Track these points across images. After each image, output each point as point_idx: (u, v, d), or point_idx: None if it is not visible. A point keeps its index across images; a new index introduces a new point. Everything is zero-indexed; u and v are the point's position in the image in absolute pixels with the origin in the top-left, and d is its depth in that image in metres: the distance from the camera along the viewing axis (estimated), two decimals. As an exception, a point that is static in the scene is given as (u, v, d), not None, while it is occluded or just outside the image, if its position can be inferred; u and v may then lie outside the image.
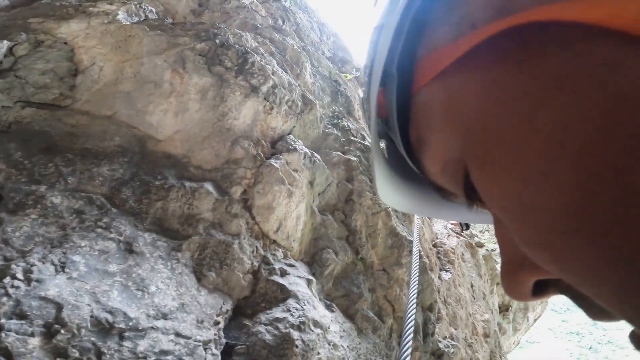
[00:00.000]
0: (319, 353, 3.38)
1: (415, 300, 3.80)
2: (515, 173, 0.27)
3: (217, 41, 4.24)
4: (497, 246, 14.30)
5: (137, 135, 3.46)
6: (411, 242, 5.85)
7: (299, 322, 3.25)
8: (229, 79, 4.03)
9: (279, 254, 3.83)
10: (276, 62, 4.92)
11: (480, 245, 12.72)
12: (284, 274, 3.67)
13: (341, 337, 4.11)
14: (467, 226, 13.57)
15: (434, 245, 8.16)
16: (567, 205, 0.24)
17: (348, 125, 6.50)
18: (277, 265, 3.69)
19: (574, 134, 0.24)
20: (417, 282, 4.17)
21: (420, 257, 5.35)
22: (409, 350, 2.06)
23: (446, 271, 7.94)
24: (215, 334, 2.80)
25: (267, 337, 3.03)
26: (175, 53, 3.92)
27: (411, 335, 2.20)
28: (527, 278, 0.33)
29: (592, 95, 0.23)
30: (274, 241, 3.84)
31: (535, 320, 18.19)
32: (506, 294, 0.38)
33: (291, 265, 3.87)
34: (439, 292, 6.57)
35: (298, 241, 4.16)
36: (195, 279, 2.94)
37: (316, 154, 4.87)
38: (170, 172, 3.37)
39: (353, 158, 5.68)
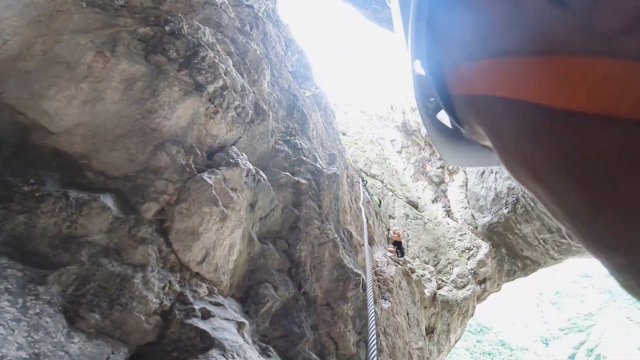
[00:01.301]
0: None
1: (375, 343, 3.03)
2: None
3: (167, 28, 3.35)
4: (426, 272, 14.02)
5: (22, 123, 2.47)
6: (357, 274, 5.13)
7: None
8: (168, 71, 3.16)
9: (202, 290, 2.90)
10: (232, 62, 4.10)
11: (412, 271, 12.41)
12: (206, 315, 2.75)
13: None
14: (402, 253, 13.29)
15: (375, 274, 7.53)
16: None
17: (301, 144, 5.74)
18: (198, 305, 2.76)
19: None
20: (374, 322, 3.42)
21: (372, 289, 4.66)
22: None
23: (385, 300, 7.32)
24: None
25: None
26: (109, 34, 2.99)
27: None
28: None
29: None
30: (197, 274, 2.91)
31: (456, 341, 18.21)
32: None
33: (218, 304, 2.95)
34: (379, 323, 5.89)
35: (229, 274, 3.26)
36: (66, 322, 2.07)
37: (262, 173, 4.06)
38: (54, 175, 2.40)
39: (303, 181, 4.91)
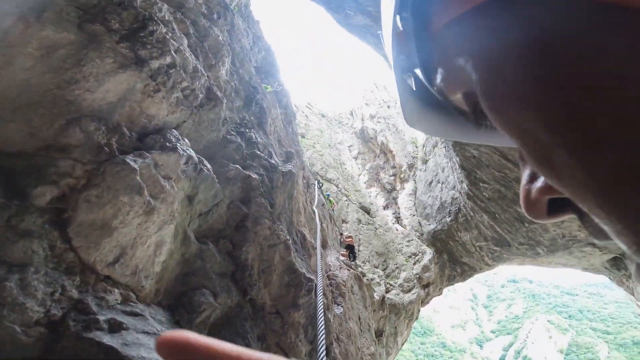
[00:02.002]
0: None
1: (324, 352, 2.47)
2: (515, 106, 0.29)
3: (117, -1, 2.63)
4: (375, 276, 13.62)
5: None
6: (310, 279, 4.53)
7: None
8: (104, 41, 2.46)
9: (114, 297, 2.18)
10: (188, 43, 3.41)
11: (363, 275, 12.03)
12: (116, 328, 2.03)
13: None
14: (354, 257, 12.88)
15: (328, 278, 6.97)
16: (553, 124, 0.27)
17: (256, 137, 5.10)
18: (104, 315, 2.04)
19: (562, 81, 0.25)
20: (323, 330, 2.86)
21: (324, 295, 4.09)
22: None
23: (338, 305, 6.80)
24: None
25: None
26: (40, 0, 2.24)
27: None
28: (539, 197, 0.34)
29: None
30: (107, 278, 2.19)
31: (402, 343, 18.15)
32: (527, 215, 0.36)
33: (134, 314, 2.23)
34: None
35: (154, 278, 2.55)
36: None
37: (206, 162, 3.37)
38: None
39: (255, 176, 4.22)
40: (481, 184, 14.57)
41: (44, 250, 1.89)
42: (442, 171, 19.08)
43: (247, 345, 3.01)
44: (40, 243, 1.88)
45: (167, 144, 2.81)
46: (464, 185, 15.76)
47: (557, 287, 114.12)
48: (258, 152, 4.68)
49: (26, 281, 1.76)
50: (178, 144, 2.92)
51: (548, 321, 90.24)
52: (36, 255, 1.84)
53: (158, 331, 2.19)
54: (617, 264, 15.22)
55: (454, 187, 17.54)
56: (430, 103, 0.42)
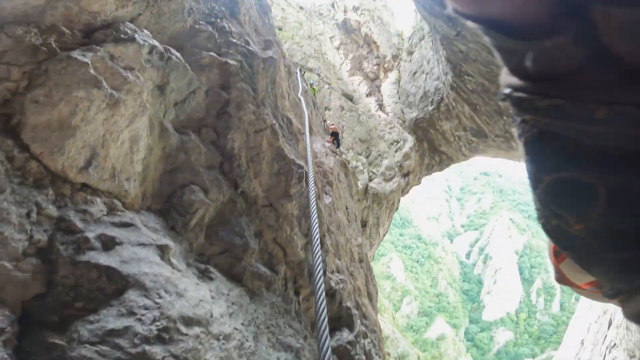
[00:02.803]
0: None
1: (320, 252, 2.40)
2: None
3: None
4: (359, 163, 13.84)
5: None
6: (300, 166, 4.34)
7: (159, 328, 1.65)
8: None
9: (97, 207, 1.88)
10: None
11: (347, 162, 12.13)
12: (109, 245, 1.77)
13: (231, 315, 2.39)
14: (339, 144, 12.84)
15: (315, 165, 6.83)
16: None
17: (230, 27, 4.34)
18: (92, 232, 1.76)
19: None
20: (316, 220, 2.75)
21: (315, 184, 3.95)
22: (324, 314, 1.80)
23: (326, 194, 6.83)
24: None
25: None
26: None
27: (323, 297, 1.90)
28: None
29: None
30: (84, 186, 1.88)
31: (384, 234, 19.52)
32: None
33: (125, 225, 1.97)
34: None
35: (138, 179, 2.23)
36: None
37: (173, 50, 2.83)
38: None
39: (232, 62, 3.58)
40: (466, 77, 14.10)
41: (2, 164, 1.52)
42: (428, 63, 18.29)
43: (246, 244, 2.91)
44: None
45: (122, 35, 2.28)
46: (449, 77, 15.23)
47: (523, 183, 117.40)
48: (233, 40, 4.07)
49: None
50: (136, 35, 2.37)
51: (510, 219, 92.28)
52: None
53: (154, 240, 1.97)
54: None
55: (438, 78, 16.98)
56: None
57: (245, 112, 3.39)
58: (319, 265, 2.44)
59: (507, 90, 0.46)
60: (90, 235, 1.71)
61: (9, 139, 1.61)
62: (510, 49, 0.43)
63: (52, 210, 1.66)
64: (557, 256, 0.73)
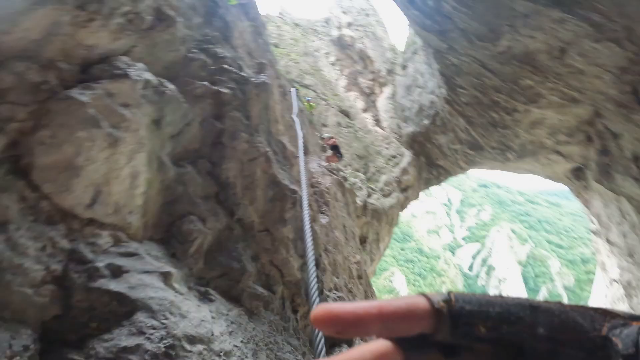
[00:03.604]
0: None
1: (314, 267, 2.52)
2: None
3: None
4: (357, 180, 13.98)
5: None
6: (294, 191, 4.49)
7: (166, 346, 1.78)
8: None
9: (104, 240, 2.05)
10: None
11: (345, 180, 12.25)
12: (117, 273, 1.94)
13: (231, 333, 2.54)
14: (341, 155, 12.96)
15: (311, 186, 6.98)
16: None
17: (223, 52, 4.55)
18: (101, 262, 1.93)
19: None
20: (311, 245, 2.89)
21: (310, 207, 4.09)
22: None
23: (323, 214, 6.96)
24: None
25: None
26: None
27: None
28: None
29: None
30: (91, 221, 2.04)
31: (384, 249, 19.53)
32: None
33: (130, 255, 2.13)
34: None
35: (139, 212, 2.40)
36: None
37: (168, 84, 3.00)
38: None
39: (225, 90, 3.80)
40: (459, 90, 14.39)
41: (17, 203, 1.69)
42: (422, 76, 18.64)
43: (243, 268, 3.05)
44: (10, 196, 1.67)
45: (116, 71, 2.45)
46: (443, 90, 15.53)
47: (522, 194, 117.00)
48: (226, 67, 4.25)
49: (12, 240, 1.60)
50: (130, 70, 2.56)
51: (511, 230, 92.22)
52: (11, 211, 1.64)
53: (157, 268, 2.12)
54: (577, 174, 15.98)
55: (433, 91, 17.29)
56: None
57: (238, 141, 3.57)
58: (314, 284, 2.56)
59: None
60: (100, 264, 1.87)
61: (20, 180, 1.77)
62: None
63: (65, 244, 1.82)
64: None
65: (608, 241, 15.72)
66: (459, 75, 13.59)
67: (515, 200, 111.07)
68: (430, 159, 19.90)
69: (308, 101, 14.72)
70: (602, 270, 19.17)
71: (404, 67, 20.89)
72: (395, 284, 72.34)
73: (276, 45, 19.34)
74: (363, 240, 13.81)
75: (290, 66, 19.32)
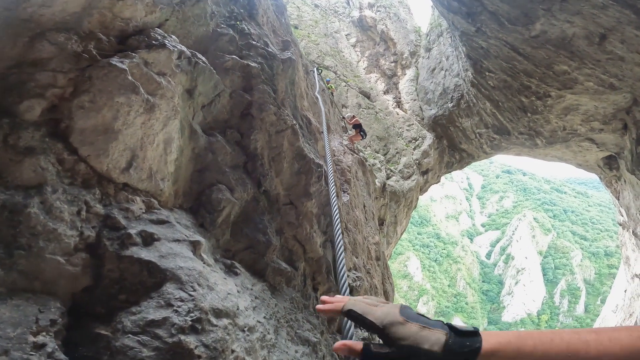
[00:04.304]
0: (233, 351, 1.95)
1: (341, 239, 2.52)
2: None
3: None
4: (376, 161, 13.89)
5: None
6: (319, 165, 4.47)
7: (192, 319, 1.79)
8: None
9: (137, 206, 2.07)
10: None
11: (365, 160, 12.17)
12: (149, 240, 1.95)
13: (255, 309, 2.50)
14: (365, 134, 12.90)
15: (333, 163, 6.92)
16: None
17: (249, 29, 4.54)
18: (134, 228, 1.94)
19: None
20: (338, 217, 2.86)
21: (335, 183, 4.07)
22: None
23: (344, 192, 6.93)
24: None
25: (145, 353, 1.61)
26: None
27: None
28: None
29: None
30: (125, 186, 2.06)
31: (402, 233, 19.44)
32: None
33: (162, 222, 2.15)
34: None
35: (171, 179, 2.41)
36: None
37: (199, 55, 3.01)
38: None
39: (253, 64, 3.75)
40: (487, 73, 13.93)
41: (54, 165, 1.70)
42: (447, 59, 18.11)
43: (269, 241, 3.07)
44: (47, 158, 1.67)
45: (153, 42, 2.45)
46: (469, 73, 15.06)
47: (548, 182, 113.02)
48: (253, 42, 4.24)
49: (48, 203, 1.59)
50: (166, 41, 2.55)
51: (534, 218, 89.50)
52: (48, 173, 1.64)
53: (187, 237, 2.14)
54: (610, 163, 15.39)
55: (458, 74, 16.81)
56: None
57: (267, 113, 3.55)
58: (342, 261, 2.51)
59: None
60: (133, 231, 1.88)
61: (58, 143, 1.78)
62: None
63: (99, 209, 1.84)
64: None
65: (635, 234, 15.23)
66: (487, 59, 13.12)
67: (540, 188, 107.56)
68: (452, 143, 19.51)
69: (328, 82, 14.57)
70: (625, 264, 18.68)
71: (428, 49, 20.32)
72: (410, 269, 72.32)
73: (296, 27, 19.11)
74: (380, 223, 13.76)
75: (310, 47, 19.09)
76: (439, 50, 19.03)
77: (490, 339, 0.67)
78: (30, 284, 1.52)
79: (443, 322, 0.72)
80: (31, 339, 1.37)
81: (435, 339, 0.67)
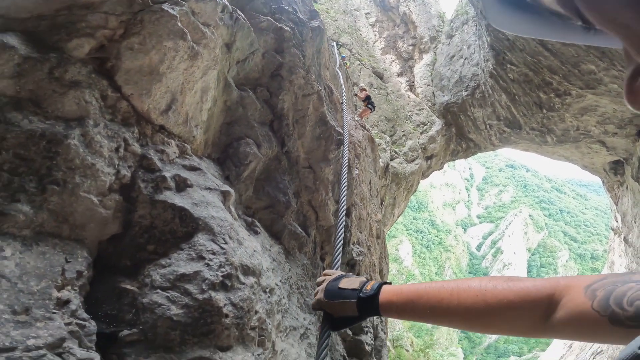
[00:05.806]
0: (257, 312, 1.87)
1: (344, 216, 2.53)
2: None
3: None
4: (382, 141, 13.73)
5: None
6: (339, 133, 4.46)
7: (223, 275, 1.69)
8: None
9: (172, 149, 2.07)
10: None
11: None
12: (182, 186, 1.94)
13: (273, 270, 2.45)
14: (374, 106, 12.79)
15: (348, 139, 6.93)
16: None
17: None
18: (169, 172, 1.93)
19: None
20: (345, 192, 2.87)
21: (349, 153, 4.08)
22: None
23: (354, 166, 6.96)
24: (68, 324, 1.24)
25: (174, 310, 1.50)
26: None
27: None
28: None
29: None
30: (162, 128, 2.06)
31: (399, 215, 19.51)
32: (630, 106, 0.36)
33: (194, 169, 2.16)
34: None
35: (203, 127, 2.41)
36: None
37: (239, 11, 2.96)
38: None
39: (286, 28, 3.76)
40: (508, 66, 13.63)
41: (97, 100, 1.68)
42: (468, 48, 17.71)
43: (288, 202, 3.09)
44: (92, 92, 1.64)
45: None
46: (489, 64, 14.75)
47: (550, 180, 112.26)
48: (285, 7, 4.19)
49: (89, 136, 1.53)
50: None
51: (529, 215, 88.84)
52: (91, 106, 1.62)
53: (217, 186, 2.15)
54: (616, 168, 15.27)
55: (477, 64, 16.47)
56: (519, 4, 0.40)
57: (296, 76, 3.52)
58: (341, 232, 2.45)
59: None
60: (167, 174, 1.87)
61: (103, 80, 1.77)
62: None
63: (137, 148, 1.84)
64: None
65: (626, 241, 15.35)
66: (511, 51, 12.84)
67: (541, 186, 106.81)
68: (461, 131, 19.34)
69: (344, 58, 14.32)
70: (609, 268, 18.90)
71: (450, 36, 19.81)
72: (401, 253, 72.91)
73: (315, 1, 18.57)
74: (380, 203, 13.85)
75: (328, 23, 18.62)
76: (461, 38, 18.59)
77: (385, 294, 0.92)
78: (58, 228, 1.41)
79: (362, 287, 0.98)
80: (55, 294, 1.26)
81: (351, 309, 0.96)
